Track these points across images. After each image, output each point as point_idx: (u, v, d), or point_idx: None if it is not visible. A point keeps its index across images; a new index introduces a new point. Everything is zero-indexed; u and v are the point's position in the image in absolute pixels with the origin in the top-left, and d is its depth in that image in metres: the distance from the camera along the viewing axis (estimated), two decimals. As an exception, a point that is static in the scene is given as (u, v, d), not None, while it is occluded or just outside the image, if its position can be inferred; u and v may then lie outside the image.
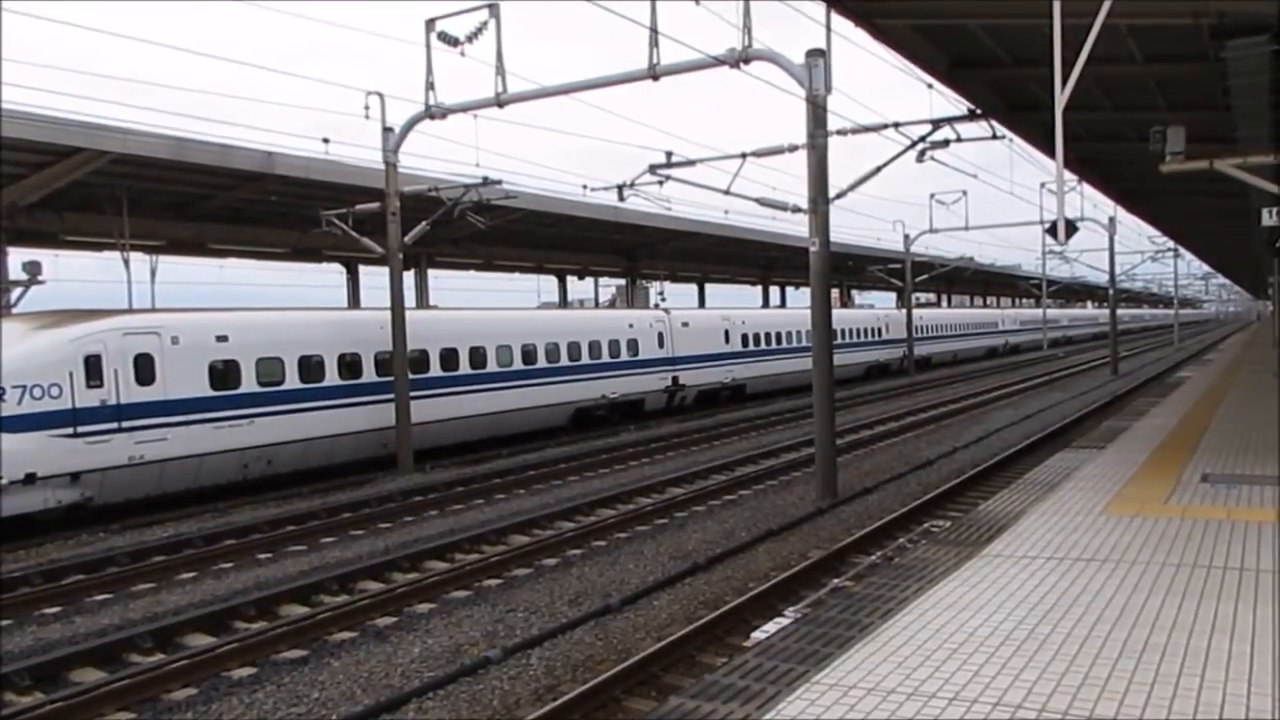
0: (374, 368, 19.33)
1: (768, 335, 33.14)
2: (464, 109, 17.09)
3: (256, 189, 19.87)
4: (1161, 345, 70.84)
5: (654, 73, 14.58)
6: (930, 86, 13.14)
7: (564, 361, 24.20)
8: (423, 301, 27.29)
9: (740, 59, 13.96)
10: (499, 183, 19.88)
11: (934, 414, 26.24)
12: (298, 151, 19.02)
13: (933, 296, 65.92)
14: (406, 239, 19.39)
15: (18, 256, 18.87)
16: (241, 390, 16.89)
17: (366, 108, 17.77)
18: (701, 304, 42.77)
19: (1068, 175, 16.56)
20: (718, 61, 13.97)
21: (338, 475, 18.48)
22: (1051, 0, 7.21)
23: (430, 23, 16.65)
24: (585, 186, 21.99)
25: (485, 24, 15.88)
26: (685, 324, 29.14)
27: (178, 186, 19.40)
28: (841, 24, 11.47)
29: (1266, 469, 10.14)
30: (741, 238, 32.91)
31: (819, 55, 14.09)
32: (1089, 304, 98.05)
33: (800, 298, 49.85)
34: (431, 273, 28.55)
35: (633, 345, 26.68)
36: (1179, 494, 9.05)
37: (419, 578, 11.06)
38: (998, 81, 13.14)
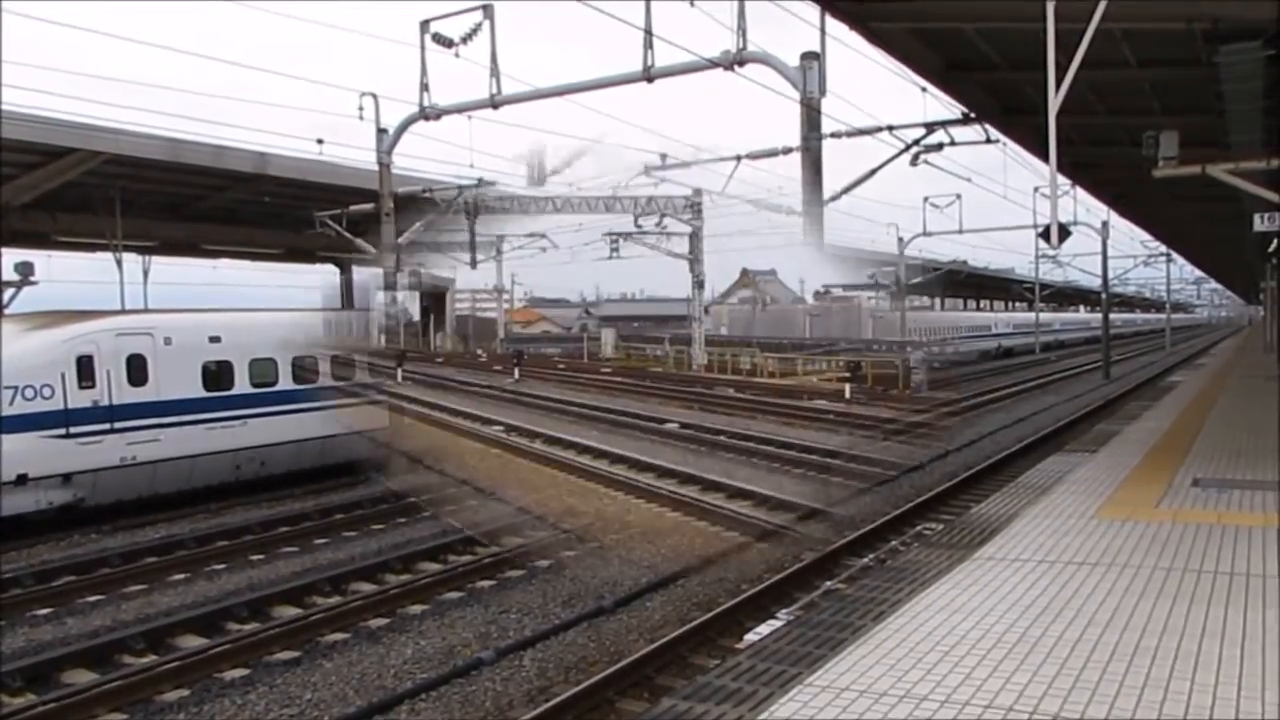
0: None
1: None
2: (458, 110, 17.11)
3: (250, 190, 19.83)
4: (1154, 349, 70.94)
5: (648, 75, 14.61)
6: (924, 90, 13.17)
7: None
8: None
9: (735, 61, 13.98)
10: (493, 184, 19.89)
11: (927, 415, 26.20)
12: (292, 153, 19.02)
13: (926, 300, 65.94)
14: (400, 240, 19.38)
15: (10, 257, 18.81)
16: (235, 391, 16.85)
17: (360, 109, 17.81)
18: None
19: (1061, 179, 16.54)
20: (712, 64, 13.99)
21: (331, 476, 18.43)
22: (1046, 4, 7.23)
23: (425, 24, 16.66)
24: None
25: (479, 25, 15.91)
26: None
27: (171, 187, 19.36)
28: (836, 27, 11.50)
29: (1258, 473, 10.15)
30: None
31: (813, 58, 14.10)
32: (1082, 308, 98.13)
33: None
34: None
35: None
36: (1170, 498, 9.06)
37: (412, 579, 11.05)
38: (992, 85, 13.15)
